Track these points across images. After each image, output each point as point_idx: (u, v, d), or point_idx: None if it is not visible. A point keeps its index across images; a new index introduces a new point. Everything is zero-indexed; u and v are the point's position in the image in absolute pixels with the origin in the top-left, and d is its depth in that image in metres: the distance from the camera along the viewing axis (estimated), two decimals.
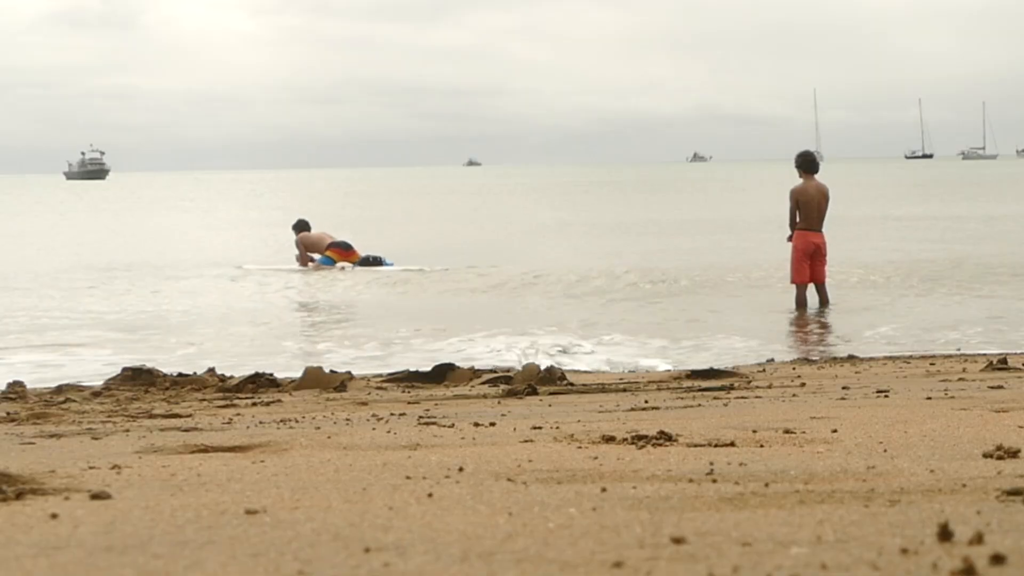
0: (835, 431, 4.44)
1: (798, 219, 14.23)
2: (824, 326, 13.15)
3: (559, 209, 46.30)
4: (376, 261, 20.34)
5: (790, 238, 14.31)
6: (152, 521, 2.80)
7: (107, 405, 6.54)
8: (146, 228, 38.37)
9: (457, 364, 8.12)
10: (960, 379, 7.25)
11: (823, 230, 14.28)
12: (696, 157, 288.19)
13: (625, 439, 4.20)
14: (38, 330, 13.24)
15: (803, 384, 7.14)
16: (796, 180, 14.41)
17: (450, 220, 39.75)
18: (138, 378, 7.64)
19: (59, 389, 7.47)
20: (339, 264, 20.15)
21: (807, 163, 14.39)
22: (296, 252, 20.64)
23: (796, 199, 14.22)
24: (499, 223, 36.73)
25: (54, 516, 2.83)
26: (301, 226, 20.72)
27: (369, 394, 7.07)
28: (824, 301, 14.31)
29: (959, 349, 10.45)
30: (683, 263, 20.80)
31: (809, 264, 14.20)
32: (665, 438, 4.20)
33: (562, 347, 11.16)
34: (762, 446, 4.11)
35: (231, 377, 7.76)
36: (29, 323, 13.92)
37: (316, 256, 20.37)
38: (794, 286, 14.39)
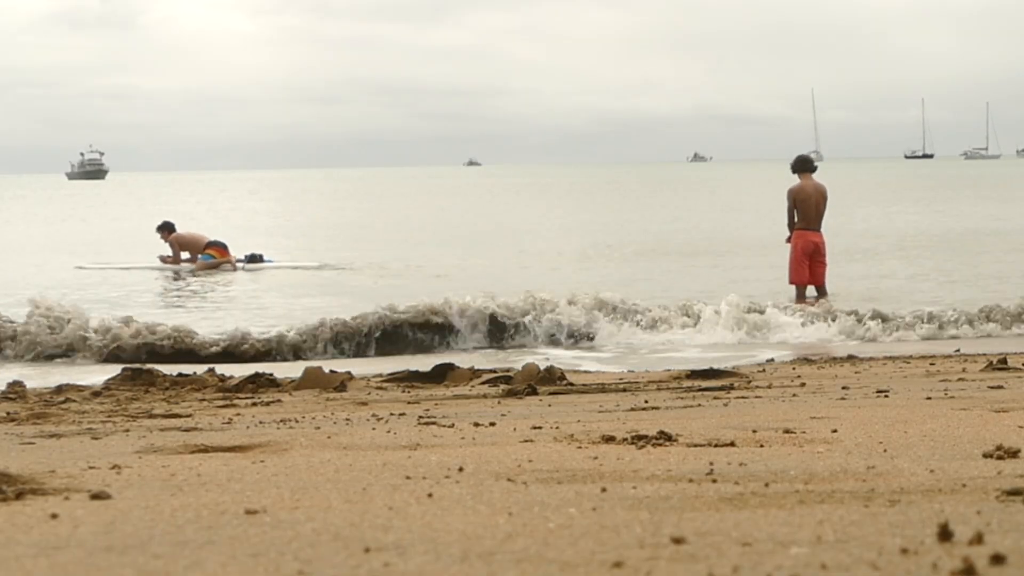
0: (835, 431, 4.45)
1: (796, 219, 14.23)
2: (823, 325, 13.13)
3: (540, 210, 45.46)
4: (259, 259, 21.13)
5: (789, 239, 14.29)
6: (152, 521, 2.80)
7: (107, 405, 6.54)
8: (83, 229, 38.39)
9: (457, 364, 8.13)
10: (960, 379, 7.25)
11: (822, 230, 14.28)
12: (697, 157, 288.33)
13: (625, 439, 4.20)
14: None
15: (803, 384, 7.14)
16: (794, 180, 14.42)
17: (396, 220, 39.68)
18: (138, 378, 7.65)
19: (59, 389, 7.47)
20: (225, 262, 20.72)
21: (801, 163, 14.43)
22: (163, 253, 21.09)
23: (793, 198, 14.23)
24: (450, 225, 36.41)
25: (54, 516, 2.83)
26: (169, 227, 21.25)
27: (369, 394, 7.07)
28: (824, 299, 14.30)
29: (958, 349, 10.44)
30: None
31: (808, 264, 14.18)
32: (665, 438, 4.20)
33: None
34: (762, 446, 4.11)
35: (231, 377, 7.76)
36: None
37: (187, 254, 20.92)
38: (793, 287, 14.38)
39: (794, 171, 14.41)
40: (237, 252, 20.86)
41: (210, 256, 20.65)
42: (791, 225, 14.24)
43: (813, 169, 14.40)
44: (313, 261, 21.78)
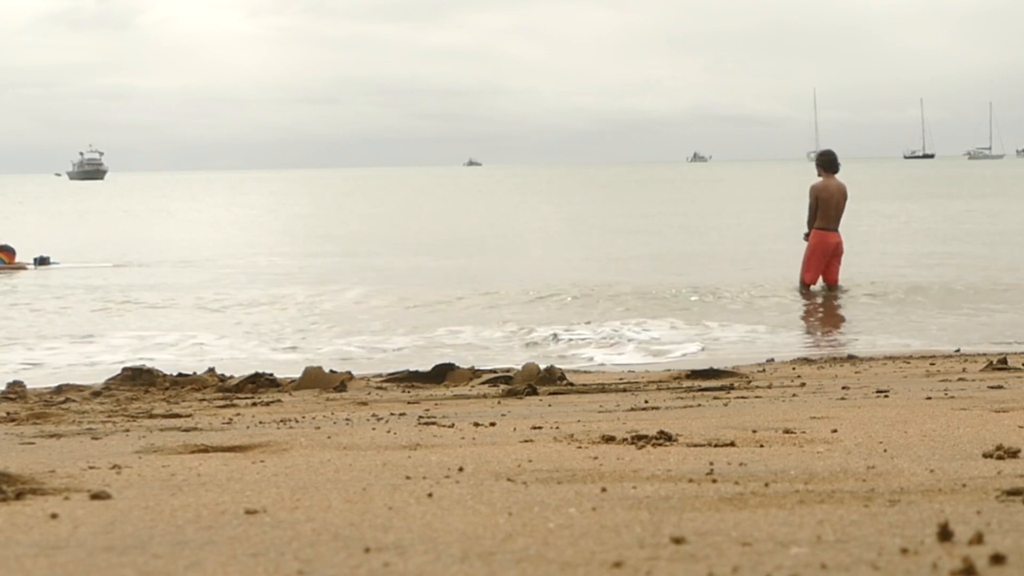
0: (835, 431, 4.45)
1: (817, 217, 14.20)
2: (824, 324, 13.14)
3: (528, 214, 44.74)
4: (47, 260, 21.88)
5: (807, 236, 14.26)
6: (152, 521, 2.79)
7: (107, 405, 6.54)
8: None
9: (457, 364, 8.13)
10: (960, 379, 7.25)
11: (839, 229, 14.29)
12: (696, 157, 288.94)
13: (625, 439, 4.20)
14: None
15: (803, 384, 7.14)
16: (808, 180, 14.45)
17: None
18: (138, 378, 7.65)
19: (59, 389, 7.47)
20: (15, 267, 21.32)
21: (828, 162, 14.44)
22: None
23: (816, 196, 14.19)
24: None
25: (54, 516, 2.83)
26: None
27: (369, 394, 7.07)
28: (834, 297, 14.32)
29: (959, 349, 10.44)
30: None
31: (826, 264, 14.18)
32: (665, 438, 4.20)
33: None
34: (762, 446, 4.11)
35: (231, 377, 7.76)
36: None
37: None
38: (800, 283, 14.37)
39: (819, 166, 14.39)
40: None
41: (0, 261, 21.34)
42: (811, 222, 14.21)
43: (837, 169, 14.41)
44: (106, 261, 22.71)
